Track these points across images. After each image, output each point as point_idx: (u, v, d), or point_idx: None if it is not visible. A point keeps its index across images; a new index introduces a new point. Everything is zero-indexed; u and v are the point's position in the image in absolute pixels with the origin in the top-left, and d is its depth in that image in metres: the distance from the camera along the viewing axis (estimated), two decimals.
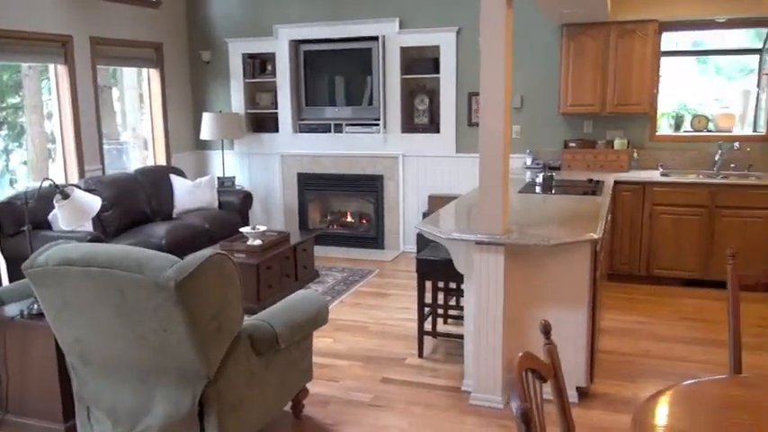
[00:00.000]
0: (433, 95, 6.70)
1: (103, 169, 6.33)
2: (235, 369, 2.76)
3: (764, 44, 5.97)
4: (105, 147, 6.46)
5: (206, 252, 2.61)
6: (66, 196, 3.34)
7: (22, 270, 2.68)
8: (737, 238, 5.25)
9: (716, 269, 5.35)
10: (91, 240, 4.86)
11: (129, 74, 7.11)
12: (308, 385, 3.45)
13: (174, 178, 6.56)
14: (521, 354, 1.47)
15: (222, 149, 7.31)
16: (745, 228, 5.24)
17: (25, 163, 6.10)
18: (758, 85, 6.04)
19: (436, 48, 6.55)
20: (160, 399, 2.72)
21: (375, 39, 6.63)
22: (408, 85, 6.77)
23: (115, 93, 7.18)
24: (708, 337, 4.41)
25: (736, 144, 5.66)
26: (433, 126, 6.72)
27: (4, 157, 5.92)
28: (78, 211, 3.38)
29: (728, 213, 5.28)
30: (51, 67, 5.85)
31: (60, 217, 3.38)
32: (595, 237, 3.31)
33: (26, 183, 5.93)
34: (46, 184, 3.37)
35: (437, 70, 6.58)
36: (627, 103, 5.71)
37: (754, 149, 5.72)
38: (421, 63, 6.66)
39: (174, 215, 6.41)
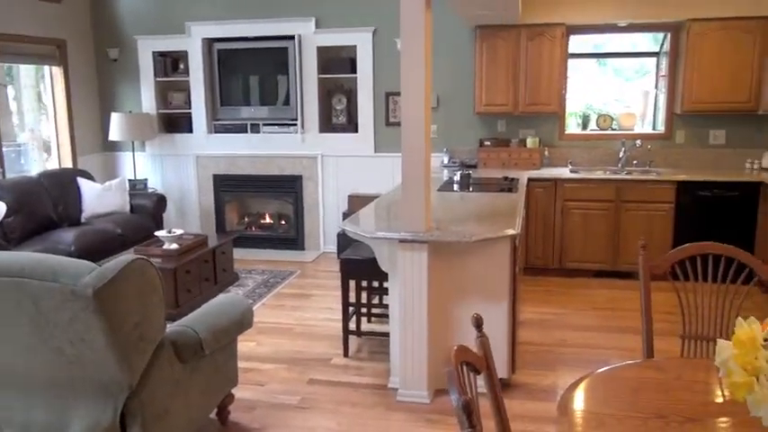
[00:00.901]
0: (351, 95, 6.72)
1: (3, 173, 5.96)
2: (158, 378, 2.67)
3: (661, 48, 6.35)
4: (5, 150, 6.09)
5: (126, 257, 2.51)
6: None
7: None
8: (641, 231, 5.56)
9: (623, 260, 5.66)
10: None
11: (26, 71, 6.71)
12: (234, 390, 3.38)
13: (82, 181, 6.27)
14: (455, 347, 1.51)
15: (133, 151, 7.04)
16: (649, 220, 5.56)
17: None
18: (656, 86, 6.42)
19: (353, 48, 6.57)
20: (78, 414, 2.60)
21: (291, 38, 6.58)
22: (325, 85, 6.75)
23: (11, 91, 6.77)
24: (618, 325, 4.65)
25: (638, 142, 6.00)
26: (352, 126, 6.73)
27: None
28: None
29: (633, 207, 5.58)
30: None
31: None
32: (515, 232, 3.42)
33: None
34: None
35: (354, 70, 6.60)
36: (537, 103, 5.93)
37: (655, 146, 6.08)
38: (338, 63, 6.66)
39: (83, 220, 6.12)
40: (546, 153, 6.19)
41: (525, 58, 5.89)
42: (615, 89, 6.75)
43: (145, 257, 2.58)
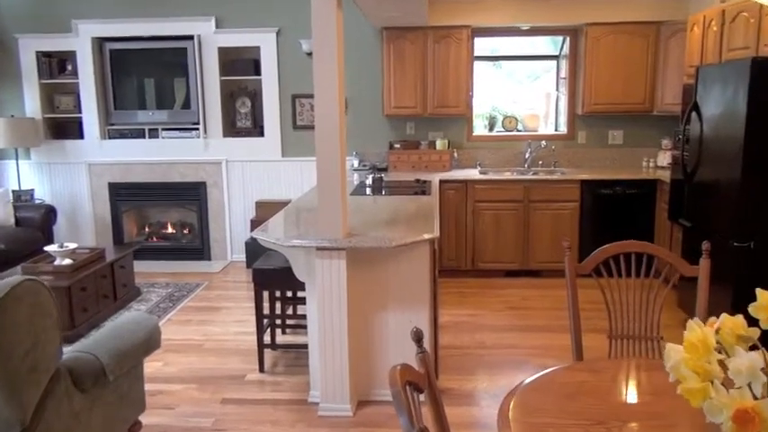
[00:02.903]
0: (255, 98, 6.48)
1: None
2: (55, 412, 2.39)
3: (560, 51, 6.54)
4: None
5: (12, 279, 2.22)
6: None
7: None
8: (549, 229, 5.70)
9: (533, 259, 5.76)
10: None
11: None
12: (141, 417, 3.11)
13: None
14: (398, 367, 1.39)
15: (17, 159, 6.46)
16: (556, 219, 5.69)
17: None
18: (557, 89, 6.61)
19: (256, 48, 6.34)
20: None
21: (190, 38, 6.26)
22: (228, 87, 6.48)
23: None
24: (534, 324, 4.71)
25: (543, 143, 6.13)
26: (257, 129, 6.50)
27: None
28: None
29: (541, 207, 5.69)
30: None
31: None
32: (434, 236, 3.35)
33: None
34: None
35: (258, 72, 6.37)
36: (446, 105, 5.94)
37: (558, 147, 6.25)
38: (241, 64, 6.40)
39: None
40: (455, 155, 6.22)
41: (432, 60, 5.88)
42: (516, 91, 6.89)
43: (34, 277, 2.30)
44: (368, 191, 5.01)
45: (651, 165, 6.10)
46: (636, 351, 2.45)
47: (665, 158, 5.94)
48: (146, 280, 5.86)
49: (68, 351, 2.61)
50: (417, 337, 1.56)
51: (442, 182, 5.63)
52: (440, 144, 6.16)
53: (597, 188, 5.66)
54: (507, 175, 5.91)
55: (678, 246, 4.97)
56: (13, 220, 5.87)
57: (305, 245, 3.30)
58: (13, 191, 6.29)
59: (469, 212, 5.74)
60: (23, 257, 5.29)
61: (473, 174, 5.92)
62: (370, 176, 5.18)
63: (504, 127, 6.52)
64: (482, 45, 6.45)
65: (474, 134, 6.39)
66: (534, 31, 6.27)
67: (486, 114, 6.66)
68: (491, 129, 6.62)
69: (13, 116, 6.39)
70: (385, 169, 6.11)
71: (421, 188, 4.97)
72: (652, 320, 2.44)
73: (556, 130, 6.52)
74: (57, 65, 6.52)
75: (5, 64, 6.48)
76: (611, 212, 5.66)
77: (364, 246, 3.26)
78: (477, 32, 6.12)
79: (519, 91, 6.89)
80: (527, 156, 6.18)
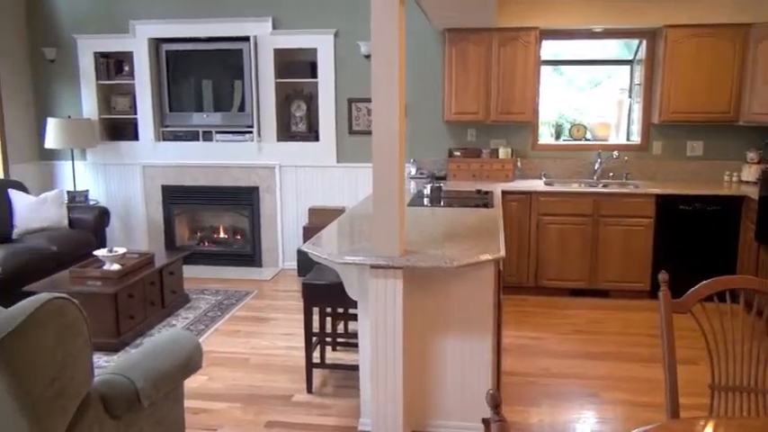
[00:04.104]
0: (311, 101, 6.28)
1: None
2: None
3: (635, 55, 6.11)
4: None
5: (39, 297, 2.03)
6: None
7: None
8: (619, 247, 5.29)
9: (601, 278, 5.35)
10: None
11: None
12: None
13: (14, 193, 5.67)
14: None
15: (72, 160, 6.44)
16: (627, 236, 5.27)
17: None
18: (630, 96, 6.18)
19: (313, 50, 6.14)
20: None
21: (246, 39, 6.11)
22: (284, 90, 6.30)
23: None
24: (601, 351, 4.32)
25: (616, 153, 5.72)
26: (312, 134, 6.29)
27: None
28: None
29: (611, 222, 5.29)
30: None
31: None
32: (501, 256, 3.05)
33: None
34: None
35: (314, 74, 6.17)
36: (510, 111, 5.60)
37: (630, 158, 5.82)
38: (297, 66, 6.22)
39: (14, 236, 5.53)
40: (518, 164, 5.87)
41: (497, 63, 5.55)
42: (584, 98, 6.47)
43: (62, 295, 2.11)
44: (425, 201, 4.73)
45: (734, 179, 5.61)
46: (744, 407, 2.08)
47: (750, 173, 5.45)
48: (195, 286, 5.73)
49: (100, 373, 2.42)
50: (494, 403, 1.27)
51: (504, 193, 5.29)
52: (503, 152, 5.82)
53: (674, 204, 5.22)
54: (575, 187, 5.52)
55: (766, 270, 4.51)
56: (66, 222, 5.82)
57: (358, 262, 3.04)
58: (68, 192, 6.26)
59: (533, 226, 5.39)
60: (75, 260, 5.22)
61: (538, 185, 5.56)
62: (429, 186, 4.89)
63: (571, 135, 6.13)
64: (546, 49, 6.07)
65: (539, 142, 6.02)
66: (608, 34, 5.86)
67: (552, 122, 6.28)
68: (557, 137, 6.23)
69: (70, 117, 6.38)
70: (443, 178, 5.81)
71: (483, 200, 4.65)
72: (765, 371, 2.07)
73: (628, 139, 6.09)
74: (114, 66, 6.48)
75: (64, 64, 6.48)
76: (689, 231, 5.20)
77: (423, 265, 2.97)
78: (546, 35, 5.75)
79: (587, 98, 6.48)
80: (596, 167, 5.78)
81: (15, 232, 5.55)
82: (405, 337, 3.07)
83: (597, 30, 5.73)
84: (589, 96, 6.49)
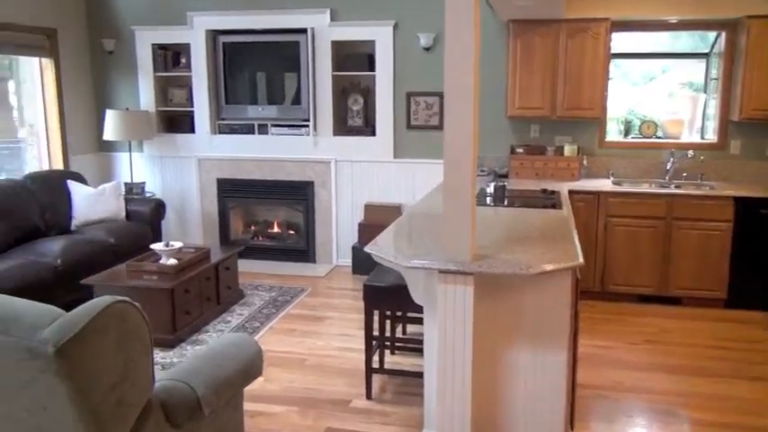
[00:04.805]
0: (368, 95, 6.13)
1: None
2: None
3: (711, 48, 5.76)
4: None
5: (101, 300, 1.92)
6: None
7: None
8: (693, 252, 4.99)
9: (673, 284, 5.06)
10: None
11: (27, 64, 6.08)
12: None
13: (73, 185, 5.69)
14: None
15: (130, 151, 6.45)
16: (703, 241, 4.96)
17: None
18: (705, 91, 5.83)
19: (371, 43, 5.98)
20: None
21: (303, 31, 5.99)
22: (340, 83, 6.16)
23: (12, 85, 6.18)
24: (676, 363, 4.06)
25: (690, 152, 5.40)
26: (369, 128, 6.14)
27: None
28: None
29: (685, 225, 4.98)
30: None
31: None
32: (580, 263, 2.83)
33: None
34: None
35: (372, 67, 6.01)
36: (578, 107, 5.34)
37: (706, 157, 5.48)
38: (354, 59, 6.07)
39: (73, 228, 5.55)
40: (585, 162, 5.59)
41: (565, 56, 5.29)
42: (660, 94, 6.12)
43: (125, 298, 2.00)
44: (488, 200, 4.52)
45: None
46: None
47: None
48: (249, 281, 5.65)
49: (161, 379, 2.31)
50: None
51: (570, 192, 5.04)
52: (568, 150, 5.55)
53: (755, 207, 4.88)
54: (645, 188, 5.23)
55: None
56: (123, 214, 5.82)
57: (426, 266, 2.87)
58: (126, 183, 6.27)
59: (600, 228, 5.12)
60: (132, 252, 5.20)
61: (606, 184, 5.29)
62: (492, 184, 4.68)
63: (641, 133, 5.82)
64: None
65: (606, 140, 5.73)
66: (683, 25, 5.53)
67: (621, 118, 5.98)
68: (625, 134, 5.93)
69: (128, 109, 6.38)
70: (505, 175, 5.58)
71: (551, 200, 4.42)
72: None
73: (702, 138, 5.75)
74: (171, 58, 6.45)
75: (123, 56, 6.48)
76: None
77: (496, 272, 2.78)
78: (617, 27, 5.45)
79: (650, 93, 6.13)
80: (668, 166, 5.46)
81: (74, 224, 5.57)
82: (474, 347, 2.89)
83: (672, 21, 5.40)
84: (646, 91, 6.13)
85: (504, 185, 4.69)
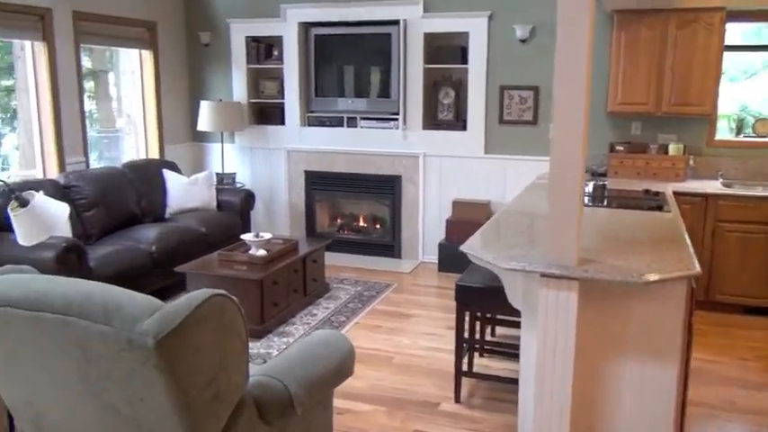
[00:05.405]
0: (460, 88, 5.97)
1: (87, 162, 5.61)
2: None
3: None
4: (98, 135, 5.72)
5: (200, 293, 1.89)
6: (23, 204, 2.61)
7: None
8: None
9: None
10: (68, 248, 4.15)
11: (126, 56, 6.31)
12: None
13: (168, 174, 5.84)
14: None
15: (222, 142, 6.57)
16: None
17: (17, 148, 5.41)
18: None
19: (464, 34, 5.82)
20: None
21: (395, 23, 5.90)
22: (431, 76, 6.04)
23: (112, 77, 6.44)
24: None
25: None
26: (460, 123, 5.99)
27: None
28: (39, 222, 2.64)
29: None
30: (27, 44, 5.10)
31: (17, 230, 2.65)
32: (697, 272, 2.60)
33: (17, 169, 5.34)
34: None
35: (465, 60, 5.85)
36: (686, 103, 5.00)
37: None
38: (447, 51, 5.93)
39: (167, 216, 5.69)
40: (691, 162, 5.24)
41: (673, 48, 4.96)
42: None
43: (223, 292, 1.96)
44: (587, 200, 4.28)
45: None
46: None
47: None
48: (334, 274, 5.64)
49: (255, 374, 2.28)
50: None
51: (675, 194, 4.72)
52: (673, 148, 5.21)
53: None
54: (759, 191, 4.84)
55: None
56: (215, 204, 5.92)
57: (527, 269, 2.72)
58: (217, 174, 6.39)
59: (708, 233, 4.78)
60: (222, 242, 5.29)
61: (714, 186, 4.93)
62: (591, 183, 4.43)
63: (755, 131, 5.39)
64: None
65: (716, 138, 5.35)
66: None
67: (732, 116, 5.57)
68: (737, 133, 5.52)
69: (221, 100, 6.49)
70: (604, 174, 5.30)
71: (656, 202, 4.14)
72: None
73: None
74: (264, 50, 6.52)
75: (218, 48, 6.60)
76: None
77: (605, 278, 2.59)
78: (732, 16, 5.06)
79: (762, 90, 5.66)
80: None
81: (168, 212, 5.71)
82: (576, 358, 2.72)
83: None
84: (751, 87, 5.66)
85: (605, 185, 4.44)
